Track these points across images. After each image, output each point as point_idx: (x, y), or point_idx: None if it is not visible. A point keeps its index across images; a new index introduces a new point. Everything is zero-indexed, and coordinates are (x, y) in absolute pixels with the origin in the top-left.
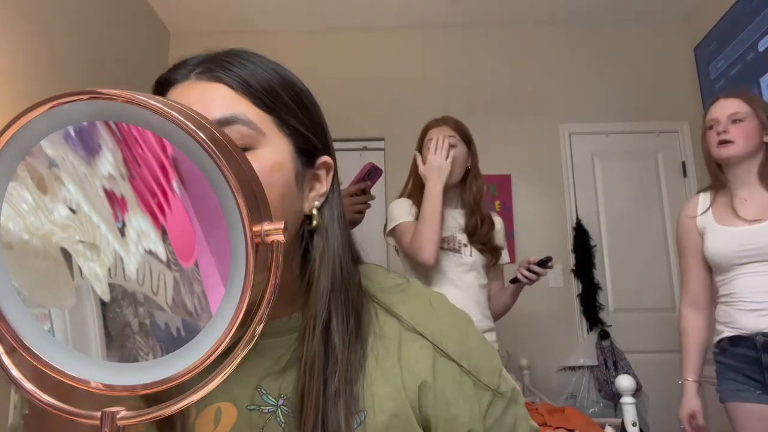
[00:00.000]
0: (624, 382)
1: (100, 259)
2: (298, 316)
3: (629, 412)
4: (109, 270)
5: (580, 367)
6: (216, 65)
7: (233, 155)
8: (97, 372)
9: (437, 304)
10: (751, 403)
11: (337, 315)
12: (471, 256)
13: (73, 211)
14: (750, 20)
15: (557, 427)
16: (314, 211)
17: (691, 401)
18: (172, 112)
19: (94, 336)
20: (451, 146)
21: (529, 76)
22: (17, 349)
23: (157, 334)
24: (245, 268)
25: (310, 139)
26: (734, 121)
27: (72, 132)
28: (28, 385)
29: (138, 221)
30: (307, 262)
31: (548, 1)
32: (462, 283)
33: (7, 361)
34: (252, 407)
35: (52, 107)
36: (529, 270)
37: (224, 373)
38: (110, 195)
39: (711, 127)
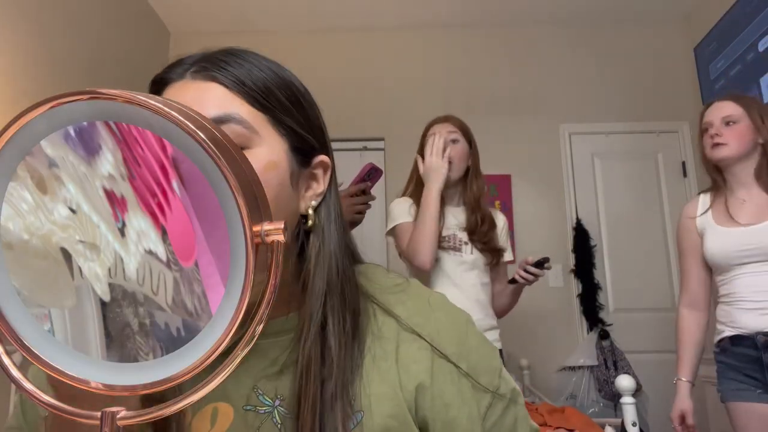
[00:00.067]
0: (624, 382)
1: (100, 259)
2: (295, 317)
3: (629, 412)
4: (109, 270)
5: (580, 367)
6: (211, 64)
7: (233, 155)
8: (97, 372)
9: (436, 305)
10: (751, 402)
11: (333, 316)
12: (472, 254)
13: (73, 211)
14: (750, 20)
15: (557, 427)
16: (310, 211)
17: (683, 401)
18: (172, 112)
19: (94, 336)
20: (453, 141)
21: (529, 76)
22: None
23: (157, 334)
24: (245, 268)
25: (307, 138)
26: (727, 124)
27: (72, 132)
28: (28, 385)
29: (138, 221)
30: (303, 261)
31: (548, 1)
32: (463, 282)
33: (7, 361)
34: (248, 407)
35: (52, 107)
36: (526, 271)
37: (224, 373)
38: (110, 195)
39: (706, 130)
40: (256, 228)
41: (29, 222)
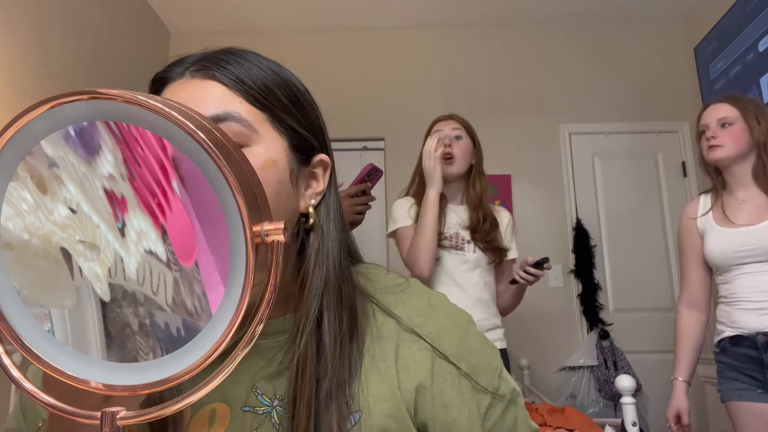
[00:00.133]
0: (624, 382)
1: (100, 259)
2: (292, 317)
3: (629, 412)
4: (109, 270)
5: (580, 367)
6: (211, 63)
7: (233, 155)
8: (97, 372)
9: (436, 305)
10: (752, 402)
11: (329, 315)
12: (474, 253)
13: (73, 211)
14: (750, 20)
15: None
16: (311, 209)
17: (679, 400)
18: (173, 112)
19: (94, 336)
20: (456, 138)
21: (529, 76)
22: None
23: (157, 334)
24: (245, 268)
25: (306, 137)
26: (723, 126)
27: (72, 132)
28: (28, 385)
29: (138, 221)
30: (302, 261)
31: (548, 1)
32: (465, 281)
33: (7, 361)
34: (246, 408)
35: (52, 107)
36: (526, 272)
37: (224, 373)
38: (110, 195)
39: (703, 133)
40: (256, 228)
41: (29, 222)
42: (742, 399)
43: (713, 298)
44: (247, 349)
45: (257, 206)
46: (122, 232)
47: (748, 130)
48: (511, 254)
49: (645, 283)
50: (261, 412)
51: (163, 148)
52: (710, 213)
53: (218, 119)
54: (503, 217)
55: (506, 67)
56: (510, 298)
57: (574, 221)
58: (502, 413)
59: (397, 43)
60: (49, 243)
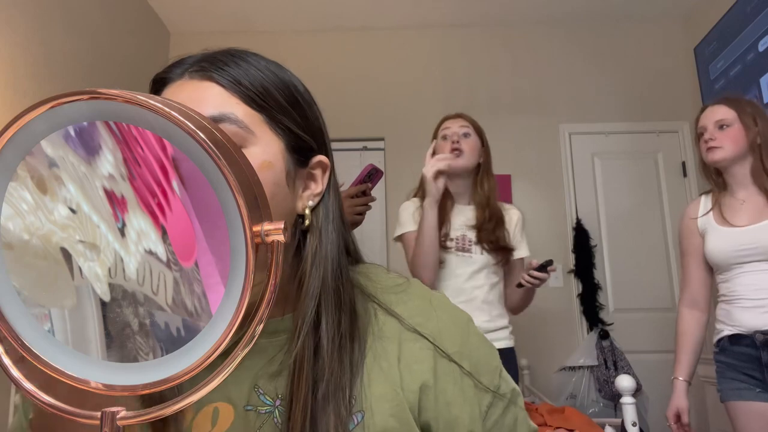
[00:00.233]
0: (624, 382)
1: (100, 259)
2: (290, 318)
3: (629, 412)
4: (109, 270)
5: (580, 367)
6: (210, 64)
7: (233, 155)
8: (97, 372)
9: (437, 304)
10: (751, 401)
11: (327, 316)
12: (481, 254)
13: (73, 211)
14: (750, 20)
15: (557, 427)
16: (307, 211)
17: (679, 400)
18: (173, 112)
19: (94, 336)
20: (465, 135)
21: (529, 76)
22: (24, 357)
23: (157, 334)
24: (245, 268)
25: (304, 138)
26: (721, 127)
27: (72, 132)
28: (28, 385)
29: (138, 221)
30: (299, 262)
31: (548, 1)
32: (470, 285)
33: (7, 361)
34: (249, 407)
35: (52, 107)
36: (530, 275)
37: (224, 373)
38: (110, 195)
39: (701, 135)
40: (256, 228)
41: (29, 222)
42: (742, 398)
43: (713, 297)
44: (247, 349)
45: (257, 206)
46: (122, 232)
47: (746, 131)
48: (521, 253)
49: (645, 283)
50: (263, 411)
51: (163, 148)
52: (711, 213)
53: (215, 120)
54: (512, 215)
55: (506, 67)
56: (520, 299)
57: (574, 221)
58: (503, 412)
59: (397, 43)
60: (49, 243)
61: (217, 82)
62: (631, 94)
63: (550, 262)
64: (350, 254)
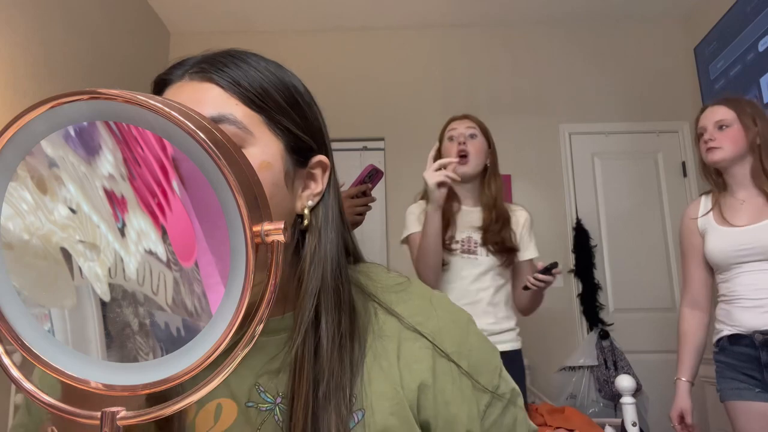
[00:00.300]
0: (624, 382)
1: (100, 259)
2: (290, 317)
3: (629, 412)
4: (109, 270)
5: (580, 367)
6: (210, 66)
7: (233, 155)
8: (97, 372)
9: (438, 304)
10: (750, 401)
11: (326, 315)
12: (487, 256)
13: (73, 211)
14: (750, 20)
15: (557, 427)
16: (306, 211)
17: (682, 401)
18: (173, 112)
19: (94, 336)
20: (471, 136)
21: (529, 76)
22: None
23: (157, 334)
24: (245, 268)
25: (304, 139)
26: (720, 128)
27: (72, 132)
28: (28, 385)
29: (138, 221)
30: (299, 261)
31: (548, 1)
32: (476, 287)
33: (7, 361)
34: (250, 404)
35: (52, 107)
36: (535, 278)
37: (224, 373)
38: (110, 195)
39: (701, 135)
40: (256, 228)
41: (29, 222)
42: (741, 398)
43: (713, 297)
44: (247, 350)
45: (257, 206)
46: (122, 232)
47: (745, 132)
48: (530, 254)
49: (645, 283)
50: (264, 408)
51: (163, 148)
52: (710, 213)
53: (214, 121)
54: (519, 216)
55: (506, 67)
56: (528, 301)
57: (574, 221)
58: (502, 412)
59: (397, 43)
60: (49, 243)
61: (217, 84)
62: (631, 94)
63: (555, 265)
64: (350, 254)
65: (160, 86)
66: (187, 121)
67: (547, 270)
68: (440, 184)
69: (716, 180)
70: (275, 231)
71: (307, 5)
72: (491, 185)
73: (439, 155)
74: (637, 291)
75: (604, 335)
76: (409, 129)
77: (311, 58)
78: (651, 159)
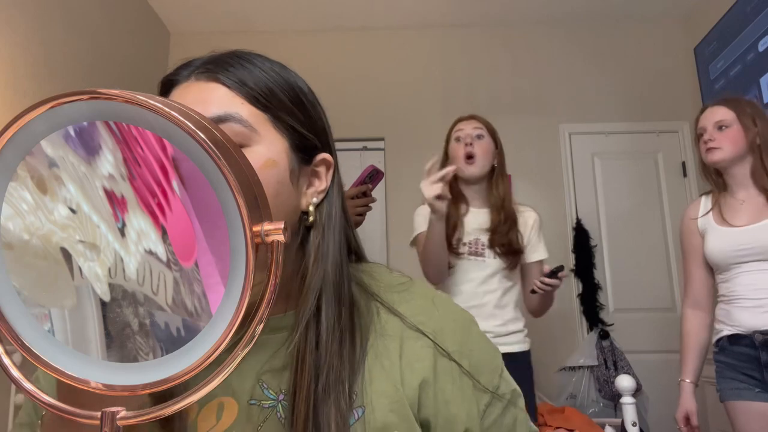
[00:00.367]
0: (624, 382)
1: (100, 259)
2: (293, 315)
3: (629, 412)
4: (109, 270)
5: (580, 367)
6: (216, 66)
7: (233, 155)
8: (97, 372)
9: (440, 303)
10: (750, 401)
11: (327, 311)
12: (494, 258)
13: (73, 211)
14: (750, 20)
15: (557, 427)
16: (311, 207)
17: (687, 402)
18: (173, 112)
19: (94, 336)
20: (478, 137)
21: (529, 76)
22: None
23: (157, 334)
24: (245, 268)
25: (308, 137)
26: (720, 128)
27: (72, 132)
28: (28, 385)
29: (138, 221)
30: (302, 258)
31: (548, 1)
32: (483, 289)
33: (7, 361)
34: (252, 402)
35: (52, 107)
36: (541, 281)
37: (224, 373)
38: (110, 195)
39: (701, 136)
40: (256, 228)
41: (29, 222)
42: (741, 398)
43: (714, 297)
44: (247, 350)
45: (257, 206)
46: (122, 232)
47: (745, 132)
48: (539, 255)
49: (645, 283)
50: (267, 406)
51: (163, 148)
52: (710, 213)
53: (220, 120)
54: (528, 218)
55: (506, 67)
56: (538, 303)
57: (574, 221)
58: (502, 412)
59: (397, 43)
60: (49, 243)
61: (223, 83)
62: (631, 94)
63: (561, 268)
64: (352, 251)
65: (166, 87)
66: (186, 121)
67: (554, 273)
68: (438, 197)
69: (716, 180)
70: (275, 231)
71: (307, 5)
72: (499, 186)
73: (445, 161)
74: (637, 291)
75: (604, 335)
76: (409, 129)
77: (311, 58)
78: (651, 159)
